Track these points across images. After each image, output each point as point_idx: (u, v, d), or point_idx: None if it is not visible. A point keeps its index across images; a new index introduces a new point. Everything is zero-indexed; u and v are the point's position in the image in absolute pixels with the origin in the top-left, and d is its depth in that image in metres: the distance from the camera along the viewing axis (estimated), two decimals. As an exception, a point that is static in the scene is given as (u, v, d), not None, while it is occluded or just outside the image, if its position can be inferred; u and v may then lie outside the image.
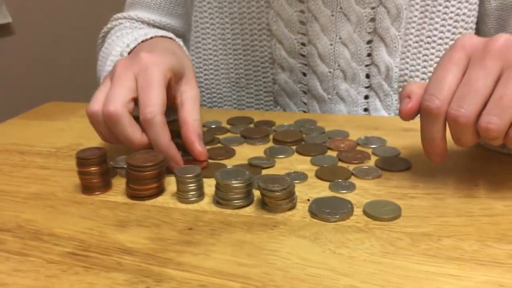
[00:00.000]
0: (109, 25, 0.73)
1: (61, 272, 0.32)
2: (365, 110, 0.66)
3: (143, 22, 0.72)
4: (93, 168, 0.41)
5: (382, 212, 0.37)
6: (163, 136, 0.43)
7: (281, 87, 0.68)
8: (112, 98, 0.43)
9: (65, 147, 0.52)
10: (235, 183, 0.38)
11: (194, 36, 0.71)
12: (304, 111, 0.68)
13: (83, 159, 0.41)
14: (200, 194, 0.40)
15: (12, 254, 0.34)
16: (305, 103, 0.68)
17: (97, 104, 0.44)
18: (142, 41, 0.55)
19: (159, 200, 0.41)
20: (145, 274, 0.31)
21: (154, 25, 0.72)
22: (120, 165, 0.44)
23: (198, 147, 0.45)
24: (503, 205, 0.38)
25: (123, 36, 0.60)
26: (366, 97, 0.65)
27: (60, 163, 0.49)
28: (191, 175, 0.40)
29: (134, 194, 0.41)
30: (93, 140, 0.52)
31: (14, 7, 1.48)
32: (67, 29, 1.64)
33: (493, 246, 0.33)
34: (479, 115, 0.36)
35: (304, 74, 0.66)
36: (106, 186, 0.42)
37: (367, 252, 0.33)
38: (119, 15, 0.74)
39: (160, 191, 0.41)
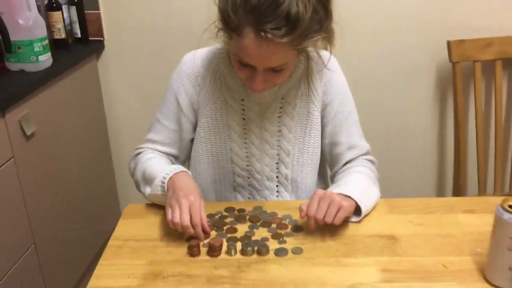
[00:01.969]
0: (138, 150, 1.44)
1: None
2: (277, 191, 1.44)
3: (158, 151, 1.42)
4: (195, 248, 1.14)
5: (297, 252, 1.16)
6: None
7: (237, 184, 1.44)
8: (184, 218, 1.15)
9: (168, 234, 1.23)
10: (249, 248, 1.14)
11: (192, 161, 1.44)
12: (250, 193, 1.45)
13: (192, 244, 1.14)
14: (236, 253, 1.16)
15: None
16: (250, 190, 1.45)
17: (176, 217, 1.16)
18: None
19: (221, 257, 1.15)
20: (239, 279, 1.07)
21: (163, 152, 1.43)
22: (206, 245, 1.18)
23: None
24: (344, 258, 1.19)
25: (160, 166, 1.32)
26: (277, 186, 1.44)
27: (175, 243, 1.19)
28: (233, 248, 1.15)
29: (212, 255, 1.15)
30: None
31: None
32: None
33: (345, 263, 1.14)
34: (324, 217, 1.16)
35: (248, 178, 1.43)
36: (198, 254, 1.16)
37: (295, 267, 1.11)
38: (142, 145, 1.44)
39: (221, 253, 1.16)
